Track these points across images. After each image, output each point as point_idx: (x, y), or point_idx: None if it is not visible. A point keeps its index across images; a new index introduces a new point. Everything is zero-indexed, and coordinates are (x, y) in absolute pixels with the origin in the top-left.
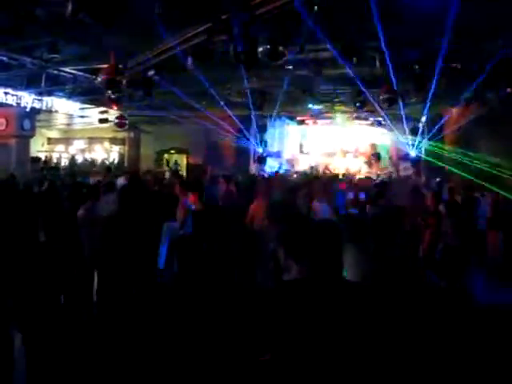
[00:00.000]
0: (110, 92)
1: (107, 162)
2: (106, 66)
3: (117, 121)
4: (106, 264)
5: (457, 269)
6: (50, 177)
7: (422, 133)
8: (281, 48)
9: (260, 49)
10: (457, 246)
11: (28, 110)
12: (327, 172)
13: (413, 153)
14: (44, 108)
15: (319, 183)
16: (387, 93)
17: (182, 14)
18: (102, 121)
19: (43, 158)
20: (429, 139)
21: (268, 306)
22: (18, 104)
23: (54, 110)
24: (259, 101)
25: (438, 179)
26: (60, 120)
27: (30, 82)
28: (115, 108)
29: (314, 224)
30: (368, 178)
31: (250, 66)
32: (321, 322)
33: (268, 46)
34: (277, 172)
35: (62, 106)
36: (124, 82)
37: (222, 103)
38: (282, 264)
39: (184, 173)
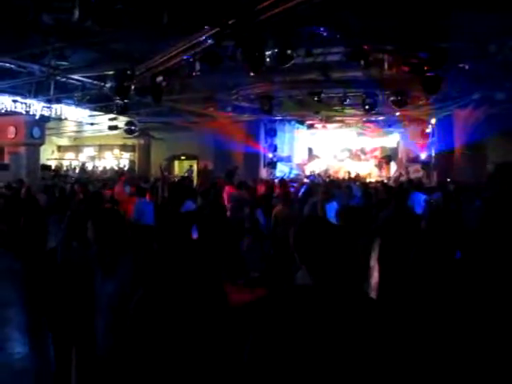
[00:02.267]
0: (119, 99)
1: (117, 169)
2: (113, 72)
3: (126, 127)
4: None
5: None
6: (60, 184)
7: (433, 134)
8: (288, 51)
9: (267, 52)
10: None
11: (37, 117)
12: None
13: (423, 155)
14: (53, 116)
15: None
16: (397, 95)
17: (188, 20)
18: (111, 128)
19: (53, 166)
20: (439, 141)
21: (269, 312)
22: (27, 112)
23: (63, 117)
24: (267, 105)
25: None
26: (70, 127)
27: (38, 90)
28: (125, 115)
29: (325, 229)
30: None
31: (256, 70)
32: (316, 332)
33: (275, 50)
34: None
35: (71, 114)
36: (132, 88)
37: (229, 108)
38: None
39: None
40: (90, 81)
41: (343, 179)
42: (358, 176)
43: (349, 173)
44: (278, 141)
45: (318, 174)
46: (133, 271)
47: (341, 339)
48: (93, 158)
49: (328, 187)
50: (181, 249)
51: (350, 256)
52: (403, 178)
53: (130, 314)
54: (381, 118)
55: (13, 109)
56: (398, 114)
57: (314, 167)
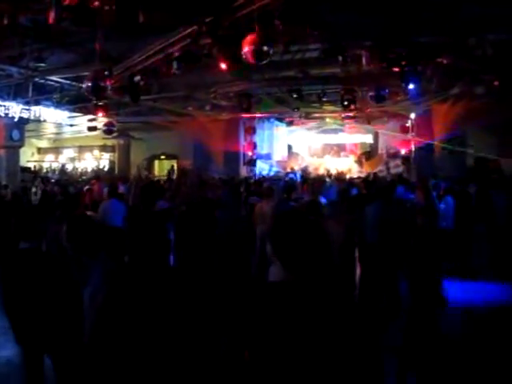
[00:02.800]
0: (95, 99)
1: (96, 170)
2: (90, 72)
3: (105, 128)
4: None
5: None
6: (41, 186)
7: (412, 129)
8: (265, 48)
9: (244, 50)
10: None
11: (16, 120)
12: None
13: (403, 150)
14: (32, 118)
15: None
16: (375, 90)
17: (166, 18)
18: (90, 129)
19: (32, 168)
20: (419, 136)
21: (245, 308)
22: (6, 114)
23: (42, 119)
24: (246, 103)
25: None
26: (49, 129)
27: (17, 92)
28: (102, 115)
29: (301, 224)
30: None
31: (234, 67)
32: (287, 330)
33: (252, 47)
34: (263, 176)
35: (50, 115)
36: (109, 88)
37: (208, 107)
38: (270, 262)
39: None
40: (68, 82)
41: (323, 176)
42: (341, 173)
43: (328, 170)
44: (257, 138)
45: (303, 170)
46: (103, 275)
47: (310, 337)
48: (73, 160)
49: (314, 185)
50: (152, 246)
51: (324, 251)
52: (383, 174)
53: (98, 313)
54: (360, 113)
55: None
56: (377, 109)
57: (294, 164)
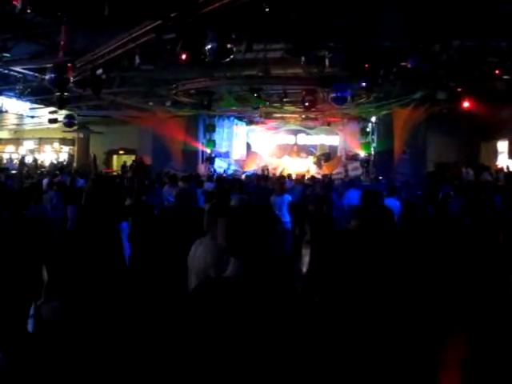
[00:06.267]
0: (58, 91)
1: (55, 163)
2: (53, 64)
3: (65, 120)
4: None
5: None
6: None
7: (372, 133)
8: (228, 46)
9: (208, 47)
10: None
11: None
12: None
13: (362, 153)
14: None
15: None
16: (337, 92)
17: (130, 12)
18: (51, 121)
19: None
20: (378, 139)
21: (193, 305)
22: None
23: (4, 109)
24: (207, 101)
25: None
26: (11, 120)
27: None
28: (64, 108)
29: (253, 218)
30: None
31: (197, 64)
32: (233, 325)
33: (215, 44)
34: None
35: (12, 106)
36: (72, 80)
37: (168, 103)
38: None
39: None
40: (31, 73)
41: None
42: (298, 173)
43: (283, 170)
44: (216, 136)
45: (262, 169)
46: None
47: (259, 331)
48: (33, 152)
49: (281, 182)
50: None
51: (276, 243)
52: (341, 176)
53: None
54: (320, 115)
55: None
56: (337, 111)
57: (253, 164)
